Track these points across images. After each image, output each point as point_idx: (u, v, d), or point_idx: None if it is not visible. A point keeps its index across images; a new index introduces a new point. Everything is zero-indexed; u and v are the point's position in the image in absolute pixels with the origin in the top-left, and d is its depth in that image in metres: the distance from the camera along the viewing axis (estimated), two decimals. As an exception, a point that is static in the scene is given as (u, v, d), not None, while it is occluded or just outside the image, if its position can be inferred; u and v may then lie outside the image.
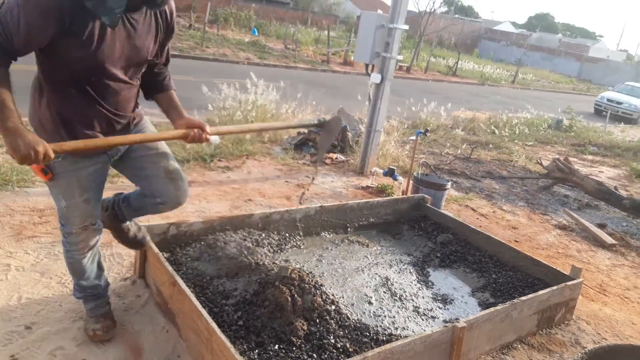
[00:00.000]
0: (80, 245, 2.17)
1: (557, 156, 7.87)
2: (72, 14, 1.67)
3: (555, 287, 2.94)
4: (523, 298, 2.78)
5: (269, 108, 6.99)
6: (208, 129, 2.08)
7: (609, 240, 4.85)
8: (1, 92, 1.64)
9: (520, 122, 11.04)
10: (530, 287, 3.21)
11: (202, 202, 4.18)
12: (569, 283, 3.03)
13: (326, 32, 21.01)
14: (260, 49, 17.98)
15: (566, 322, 3.16)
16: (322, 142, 2.73)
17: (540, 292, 2.87)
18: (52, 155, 1.71)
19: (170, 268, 2.52)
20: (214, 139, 5.76)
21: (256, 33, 22.75)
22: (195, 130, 2.05)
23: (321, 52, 19.80)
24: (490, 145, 8.77)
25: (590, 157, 9.62)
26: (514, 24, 63.69)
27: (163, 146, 2.24)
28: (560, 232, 5.02)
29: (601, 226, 5.32)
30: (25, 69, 2.06)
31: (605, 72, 35.05)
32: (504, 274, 3.42)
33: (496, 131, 9.89)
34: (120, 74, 1.92)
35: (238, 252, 2.85)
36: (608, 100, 17.75)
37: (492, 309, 2.62)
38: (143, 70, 2.05)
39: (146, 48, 1.96)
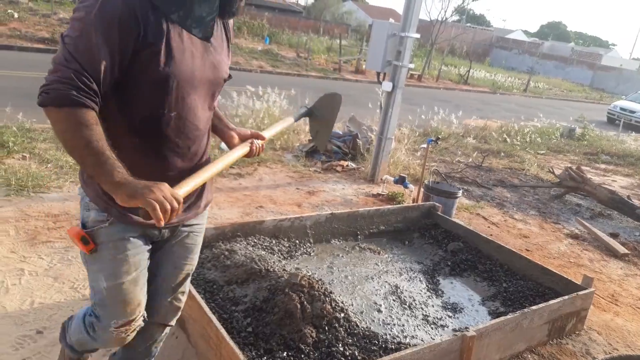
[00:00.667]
0: (111, 344, 1.69)
1: (569, 165, 7.80)
2: (145, 22, 1.31)
3: (566, 297, 2.92)
4: (534, 307, 2.75)
5: (280, 116, 7.04)
6: (265, 134, 1.82)
7: (622, 249, 4.79)
8: (95, 141, 1.26)
9: (532, 131, 10.96)
10: (541, 297, 3.18)
11: (213, 209, 4.21)
12: (580, 293, 3.00)
13: (338, 40, 21.12)
14: (273, 57, 18.12)
15: (577, 332, 3.13)
16: (316, 127, 2.43)
17: (551, 301, 2.85)
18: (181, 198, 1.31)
19: (181, 274, 2.54)
20: (224, 145, 5.87)
21: (268, 41, 22.94)
22: (255, 142, 1.76)
23: (333, 61, 19.89)
24: (502, 154, 8.72)
25: (603, 166, 9.52)
26: (526, 32, 63.50)
27: (194, 260, 1.84)
28: (572, 242, 4.97)
29: (614, 235, 5.25)
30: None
31: (618, 81, 34.71)
32: (514, 283, 3.40)
33: (508, 139, 9.84)
34: (201, 103, 1.53)
35: (248, 259, 2.87)
36: (621, 108, 17.57)
37: (502, 318, 2.60)
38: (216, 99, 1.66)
39: (223, 65, 1.58)
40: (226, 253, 2.97)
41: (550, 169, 7.34)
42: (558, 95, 26.99)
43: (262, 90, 7.16)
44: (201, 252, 3.00)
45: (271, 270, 2.77)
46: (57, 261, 2.99)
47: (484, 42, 41.61)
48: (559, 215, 5.82)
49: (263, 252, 3.07)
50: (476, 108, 15.54)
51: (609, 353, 2.96)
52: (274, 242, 3.33)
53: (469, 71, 23.65)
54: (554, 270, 3.39)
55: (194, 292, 2.39)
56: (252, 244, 3.19)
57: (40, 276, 2.82)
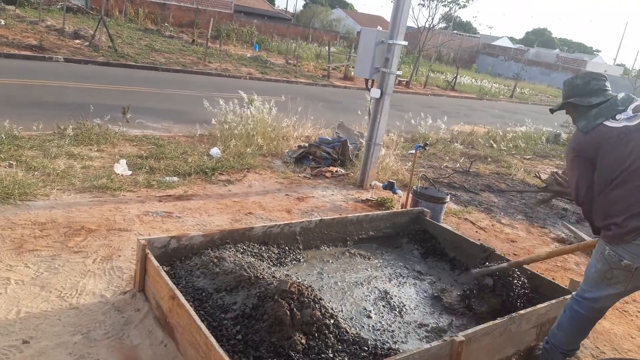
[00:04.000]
0: None
1: (555, 170, 7.89)
2: None
3: (554, 301, 2.94)
4: (522, 312, 2.78)
5: (269, 122, 7.05)
6: None
7: (608, 254, 4.84)
8: None
9: (519, 136, 11.09)
10: (529, 301, 3.21)
11: (202, 216, 4.20)
12: (567, 297, 3.03)
13: (327, 47, 21.21)
14: (262, 64, 18.15)
15: (565, 336, 3.15)
16: None
17: (539, 305, 2.87)
18: None
19: (169, 282, 2.53)
20: (215, 151, 5.86)
21: (257, 48, 22.97)
22: None
23: (322, 67, 19.97)
24: (489, 159, 8.81)
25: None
26: (512, 39, 64.21)
27: None
28: (559, 245, 5.02)
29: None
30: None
31: (603, 87, 35.20)
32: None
33: (494, 145, 9.94)
34: None
35: (238, 266, 2.86)
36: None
37: (490, 323, 2.62)
38: None
39: None
40: (215, 260, 2.95)
41: (537, 174, 7.42)
42: (543, 101, 27.33)
43: (249, 96, 7.15)
44: (190, 259, 3.02)
45: (260, 277, 2.76)
46: (44, 270, 2.96)
47: (471, 49, 42.09)
48: (545, 219, 5.89)
49: (252, 259, 3.07)
50: (463, 114, 15.68)
51: (597, 356, 2.99)
52: (263, 248, 3.33)
53: (455, 77, 23.87)
54: (541, 275, 3.43)
55: (183, 300, 2.38)
56: (242, 250, 3.18)
57: (26, 285, 2.79)
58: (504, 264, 3.26)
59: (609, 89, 2.52)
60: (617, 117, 2.35)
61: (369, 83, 5.80)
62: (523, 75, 32.38)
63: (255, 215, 4.44)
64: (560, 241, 5.15)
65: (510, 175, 7.88)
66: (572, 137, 2.54)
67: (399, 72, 5.67)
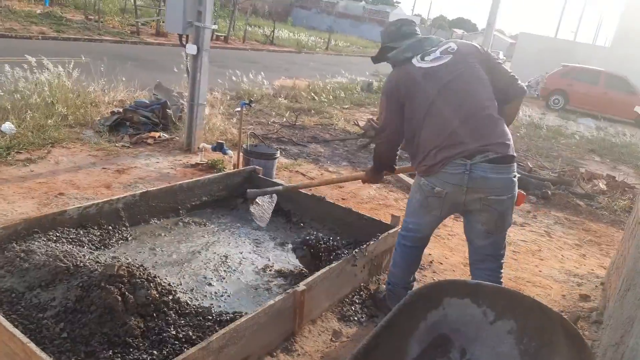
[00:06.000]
0: None
1: (370, 116, 8.56)
2: None
3: (379, 237, 3.21)
4: (354, 251, 2.97)
5: (70, 87, 6.20)
6: None
7: (419, 187, 5.48)
8: None
9: (336, 87, 11.71)
10: (360, 240, 3.44)
11: (1, 204, 3.56)
12: (391, 231, 3.34)
13: (133, 0, 19.31)
14: (57, 21, 15.76)
15: (392, 267, 3.50)
16: None
17: (369, 243, 3.10)
18: None
19: (-39, 290, 2.09)
20: (7, 127, 4.95)
21: (49, 3, 19.86)
22: None
23: (129, 23, 18.17)
24: (312, 111, 9.15)
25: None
26: (322, -8, 66.43)
27: None
28: (379, 185, 5.49)
29: (413, 175, 5.98)
30: None
31: (403, 37, 39.01)
32: (337, 231, 3.62)
33: (316, 97, 10.35)
34: None
35: (51, 257, 2.49)
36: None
37: (327, 268, 2.74)
38: None
39: None
40: (22, 255, 2.53)
41: (355, 122, 7.97)
42: (356, 52, 29.27)
43: (38, 59, 6.16)
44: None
45: (81, 265, 2.46)
46: None
47: (284, 2, 42.53)
48: (366, 163, 6.38)
49: (69, 247, 2.71)
50: (284, 68, 15.94)
51: (420, 280, 3.38)
52: (81, 232, 2.96)
53: (273, 31, 24.00)
54: (367, 215, 3.71)
55: (-17, 309, 2.00)
56: (54, 239, 2.79)
57: None
58: (279, 187, 3.59)
59: (419, 32, 2.74)
60: (426, 58, 2.53)
61: (184, 39, 5.43)
62: (335, 28, 34.06)
63: (68, 195, 3.92)
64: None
65: (333, 125, 8.31)
66: (387, 77, 2.69)
67: (214, 27, 5.41)
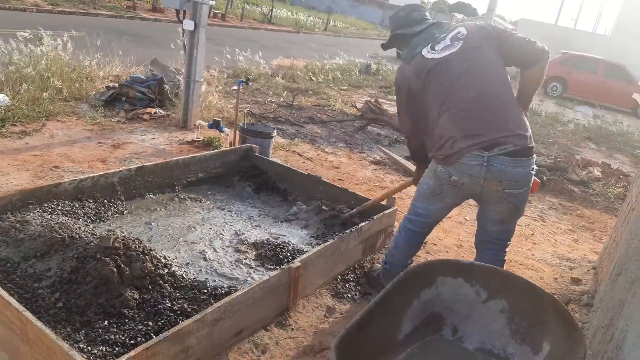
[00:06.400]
0: None
1: (368, 98, 8.52)
2: None
3: (375, 217, 3.22)
4: (348, 231, 2.98)
5: (66, 61, 6.12)
6: None
7: (415, 169, 5.49)
8: None
9: (334, 68, 11.63)
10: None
11: (-6, 176, 3.54)
12: (386, 212, 3.35)
13: (129, -26, 18.94)
14: (51, -7, 15.50)
15: (386, 247, 3.51)
16: None
17: (362, 223, 3.11)
18: None
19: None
20: (2, 99, 4.89)
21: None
22: None
23: (125, -3, 17.89)
24: (310, 92, 9.09)
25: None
26: (322, -29, 65.48)
27: None
28: (376, 167, 5.51)
29: (408, 158, 5.98)
30: None
31: (403, 19, 38.63)
32: (332, 212, 3.62)
33: (314, 78, 10.27)
34: None
35: (47, 228, 2.49)
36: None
37: (322, 245, 2.75)
38: None
39: None
40: (17, 225, 2.53)
41: (353, 104, 7.93)
42: (354, 33, 29.00)
43: (32, 31, 6.05)
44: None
45: (77, 237, 2.45)
46: None
47: (284, -19, 41.86)
48: (363, 145, 6.37)
49: (65, 219, 2.70)
50: (282, 47, 15.78)
51: (414, 261, 3.40)
52: (77, 205, 2.95)
53: (271, 10, 23.70)
54: (362, 195, 3.72)
55: (-22, 277, 2.00)
56: (50, 210, 2.78)
57: None
58: (368, 203, 3.45)
59: (429, 18, 2.69)
60: (436, 47, 2.48)
61: (181, 14, 5.36)
62: (334, 8, 33.65)
63: (63, 169, 3.90)
64: (377, 163, 5.65)
65: (330, 106, 8.27)
66: (396, 72, 2.66)
67: (212, 3, 5.33)
